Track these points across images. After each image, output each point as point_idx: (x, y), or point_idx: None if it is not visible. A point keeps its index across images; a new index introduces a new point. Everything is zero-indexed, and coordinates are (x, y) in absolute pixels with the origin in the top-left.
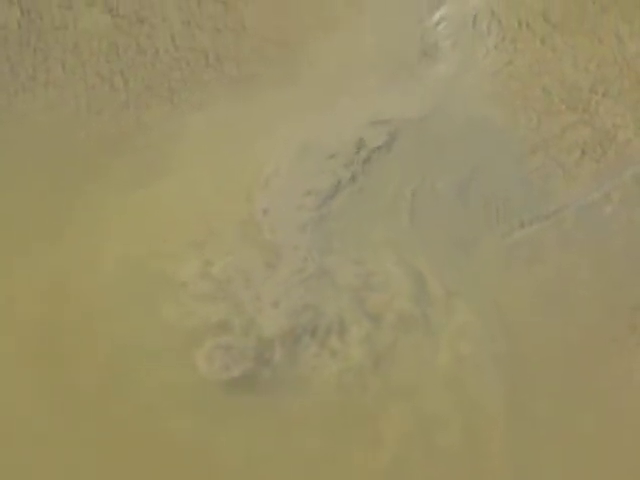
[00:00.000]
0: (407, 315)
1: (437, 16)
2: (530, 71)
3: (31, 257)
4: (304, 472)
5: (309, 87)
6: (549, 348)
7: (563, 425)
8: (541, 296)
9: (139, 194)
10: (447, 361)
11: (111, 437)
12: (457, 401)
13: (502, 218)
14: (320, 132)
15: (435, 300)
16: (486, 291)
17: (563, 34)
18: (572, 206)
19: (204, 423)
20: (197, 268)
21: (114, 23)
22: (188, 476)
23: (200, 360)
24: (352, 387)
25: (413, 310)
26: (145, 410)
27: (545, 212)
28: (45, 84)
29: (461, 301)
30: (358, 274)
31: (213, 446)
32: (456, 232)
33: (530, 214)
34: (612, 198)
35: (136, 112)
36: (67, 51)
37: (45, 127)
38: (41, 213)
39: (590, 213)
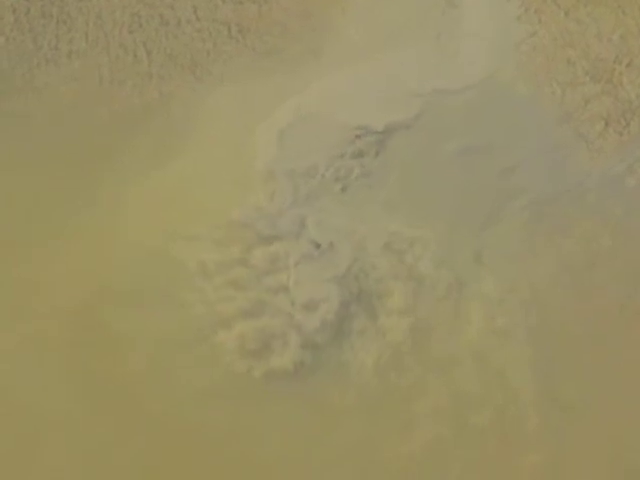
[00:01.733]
0: (439, 279)
1: None
2: (554, 43)
3: (50, 239)
4: (341, 456)
5: (331, 61)
6: (575, 321)
7: (591, 406)
8: (566, 267)
9: (158, 174)
10: (481, 334)
11: (145, 429)
12: (490, 378)
13: (526, 189)
14: (335, 109)
15: (464, 265)
16: (512, 261)
17: (587, 6)
18: (595, 178)
19: (240, 412)
20: (221, 253)
21: None
22: (225, 466)
23: (232, 343)
24: (390, 367)
25: (444, 274)
26: (178, 402)
27: (568, 184)
28: (68, 55)
29: (490, 269)
30: (384, 237)
31: (250, 434)
32: (478, 201)
33: (553, 185)
34: (636, 170)
35: (159, 83)
36: (90, 22)
37: (68, 98)
38: (61, 191)
39: (613, 185)
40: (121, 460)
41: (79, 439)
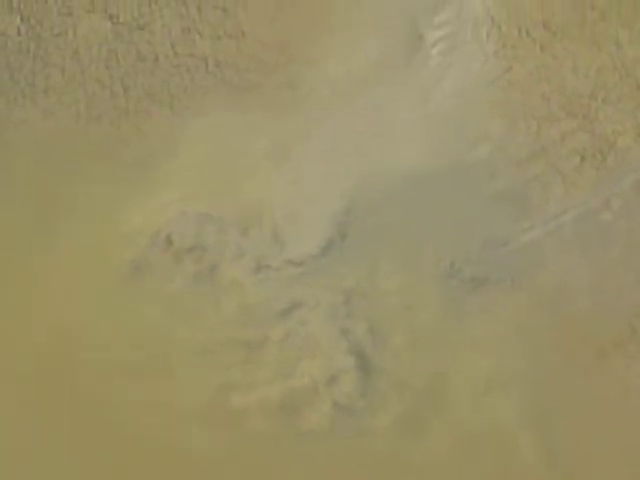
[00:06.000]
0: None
1: (437, 20)
2: (530, 78)
3: (22, 266)
4: None
5: (309, 93)
6: (557, 360)
7: (577, 449)
8: (543, 304)
9: (134, 206)
10: (475, 380)
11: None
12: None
13: (501, 225)
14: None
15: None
16: (493, 300)
17: (563, 41)
18: (571, 213)
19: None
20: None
21: (114, 30)
22: None
23: (252, 407)
24: (409, 426)
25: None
26: (195, 470)
27: (544, 219)
28: (44, 90)
29: (473, 310)
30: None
31: None
32: (454, 236)
33: (529, 221)
34: (612, 205)
35: (136, 119)
36: (67, 58)
37: (44, 134)
38: (36, 221)
39: (589, 220)
40: None
41: None
